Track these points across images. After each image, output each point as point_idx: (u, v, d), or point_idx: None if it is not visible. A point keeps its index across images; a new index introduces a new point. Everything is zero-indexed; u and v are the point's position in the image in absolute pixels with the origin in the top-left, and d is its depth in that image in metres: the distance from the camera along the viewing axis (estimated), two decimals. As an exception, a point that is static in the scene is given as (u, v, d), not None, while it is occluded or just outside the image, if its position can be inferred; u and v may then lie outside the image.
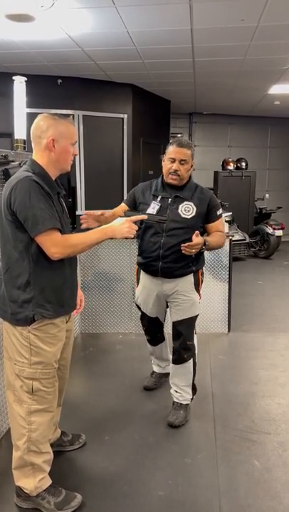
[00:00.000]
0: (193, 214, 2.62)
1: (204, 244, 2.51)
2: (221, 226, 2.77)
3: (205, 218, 2.68)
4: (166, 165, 2.64)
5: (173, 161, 2.60)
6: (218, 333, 4.32)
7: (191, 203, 2.63)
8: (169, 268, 2.64)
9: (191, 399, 2.86)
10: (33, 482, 2.03)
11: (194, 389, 2.87)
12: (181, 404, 2.82)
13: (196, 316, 2.77)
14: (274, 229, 7.93)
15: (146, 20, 4.24)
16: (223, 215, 8.11)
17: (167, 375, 3.12)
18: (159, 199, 2.66)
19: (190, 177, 2.74)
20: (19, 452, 2.01)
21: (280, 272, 7.21)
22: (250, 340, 4.21)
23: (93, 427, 2.73)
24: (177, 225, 2.60)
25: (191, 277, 2.70)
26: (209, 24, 4.32)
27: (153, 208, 2.65)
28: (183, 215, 2.61)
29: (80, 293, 2.26)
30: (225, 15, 4.07)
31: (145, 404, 3.01)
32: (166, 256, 2.62)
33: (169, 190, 2.68)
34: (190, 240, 2.48)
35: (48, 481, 2.08)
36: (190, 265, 2.67)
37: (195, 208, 2.63)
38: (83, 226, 2.45)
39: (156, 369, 3.24)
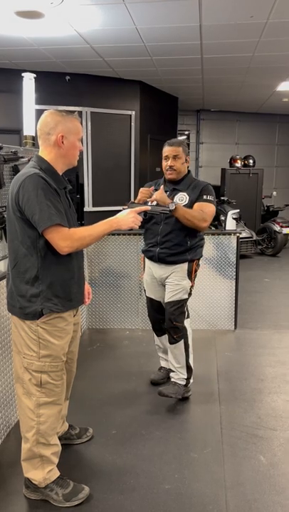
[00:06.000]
0: (186, 202, 2.86)
1: (171, 205, 2.65)
2: (206, 208, 2.81)
3: (194, 202, 2.85)
4: (163, 164, 2.94)
5: (167, 158, 2.88)
6: (225, 330, 4.33)
7: (185, 193, 2.89)
8: (164, 254, 2.88)
9: (186, 379, 2.96)
10: (41, 474, 2.06)
11: (189, 369, 2.99)
12: (175, 382, 2.96)
13: (184, 300, 2.92)
14: (281, 226, 7.91)
15: (155, 16, 4.23)
16: (230, 212, 8.04)
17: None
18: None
19: (188, 172, 2.99)
20: (28, 444, 2.04)
21: (287, 270, 7.19)
22: (257, 337, 4.21)
23: (100, 420, 2.76)
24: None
25: (185, 266, 2.89)
26: (218, 21, 4.31)
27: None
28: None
29: (87, 286, 2.29)
30: (234, 11, 4.06)
31: (152, 399, 3.03)
32: (163, 242, 2.87)
33: (169, 184, 2.97)
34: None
35: (56, 473, 2.11)
36: (185, 254, 2.87)
37: (188, 197, 2.87)
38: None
39: (163, 364, 3.28)
